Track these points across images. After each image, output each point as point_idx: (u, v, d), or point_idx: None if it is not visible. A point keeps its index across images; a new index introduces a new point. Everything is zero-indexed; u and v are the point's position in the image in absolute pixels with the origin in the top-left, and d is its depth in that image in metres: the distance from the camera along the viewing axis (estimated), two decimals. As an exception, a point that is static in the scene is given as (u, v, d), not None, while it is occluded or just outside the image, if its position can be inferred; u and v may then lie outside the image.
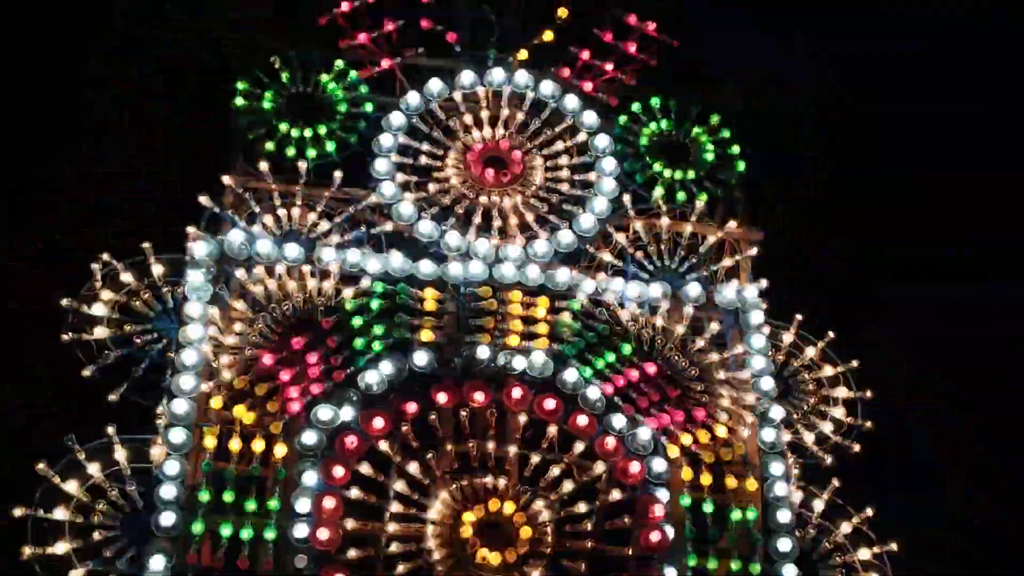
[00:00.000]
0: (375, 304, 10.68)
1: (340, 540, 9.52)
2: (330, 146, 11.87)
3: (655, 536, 9.84)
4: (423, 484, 9.87)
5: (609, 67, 12.86)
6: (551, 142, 12.23)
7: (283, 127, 11.87)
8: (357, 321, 10.58)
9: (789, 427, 11.37)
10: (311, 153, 11.74)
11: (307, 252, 10.92)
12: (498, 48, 12.79)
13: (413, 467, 9.84)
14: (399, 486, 9.81)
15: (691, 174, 12.54)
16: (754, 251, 12.04)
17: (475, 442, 10.13)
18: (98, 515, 9.68)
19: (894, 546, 10.73)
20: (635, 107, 12.81)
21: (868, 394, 11.74)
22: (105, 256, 10.92)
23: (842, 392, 11.75)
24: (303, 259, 10.87)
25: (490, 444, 10.09)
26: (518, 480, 10.04)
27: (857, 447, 11.57)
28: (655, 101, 12.85)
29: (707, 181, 12.52)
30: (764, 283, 11.75)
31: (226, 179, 11.35)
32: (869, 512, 10.86)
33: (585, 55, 12.84)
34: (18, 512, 9.49)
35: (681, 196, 12.28)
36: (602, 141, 12.19)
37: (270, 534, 9.55)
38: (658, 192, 12.20)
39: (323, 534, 9.42)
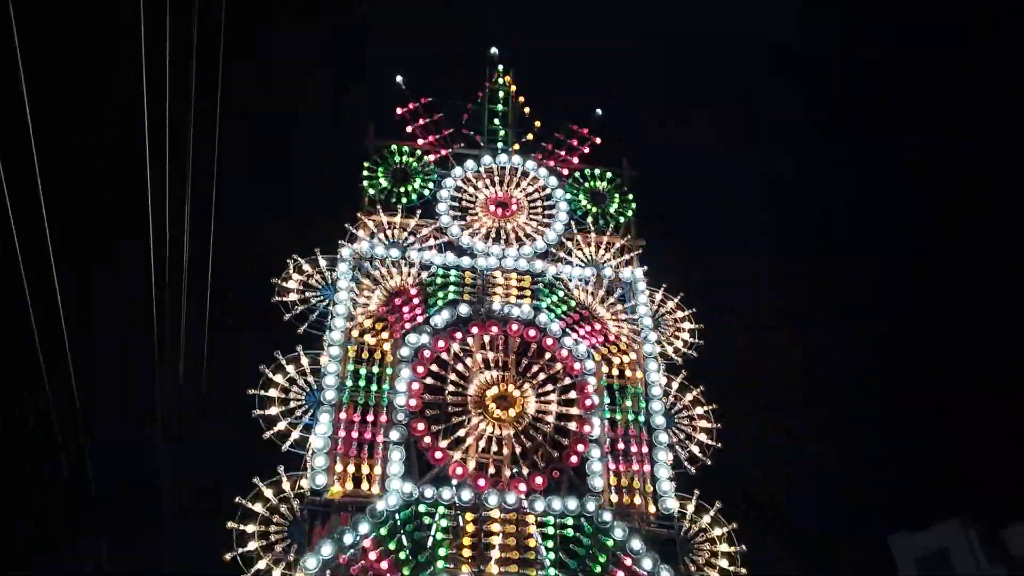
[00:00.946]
0: (439, 280, 11.15)
1: (421, 405, 10.02)
2: (413, 196, 12.32)
3: (588, 402, 10.26)
4: (465, 375, 10.37)
5: (563, 153, 13.17)
6: (531, 195, 12.55)
7: (388, 184, 12.28)
8: (431, 290, 11.00)
9: (664, 355, 11.50)
10: (403, 200, 12.21)
11: (402, 253, 11.44)
12: (503, 142, 13.09)
13: (459, 366, 10.42)
14: (452, 376, 10.33)
15: (610, 209, 12.75)
16: (639, 251, 12.40)
17: (494, 354, 10.55)
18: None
19: None
20: (576, 174, 13.03)
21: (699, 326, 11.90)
22: (295, 256, 11.40)
23: (687, 325, 11.94)
24: (400, 256, 11.40)
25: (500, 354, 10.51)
26: (515, 373, 10.42)
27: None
28: (588, 172, 13.08)
29: (615, 215, 12.75)
30: (644, 268, 12.03)
31: (360, 215, 11.92)
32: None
33: (550, 147, 13.11)
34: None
35: (600, 222, 12.60)
36: (559, 193, 12.58)
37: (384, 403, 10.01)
38: (589, 220, 12.60)
39: (412, 402, 9.93)
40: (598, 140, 13.17)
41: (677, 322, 11.89)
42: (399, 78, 12.99)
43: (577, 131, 13.25)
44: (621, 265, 12.11)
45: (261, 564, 9.01)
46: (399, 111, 12.96)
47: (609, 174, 13.12)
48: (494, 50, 13.56)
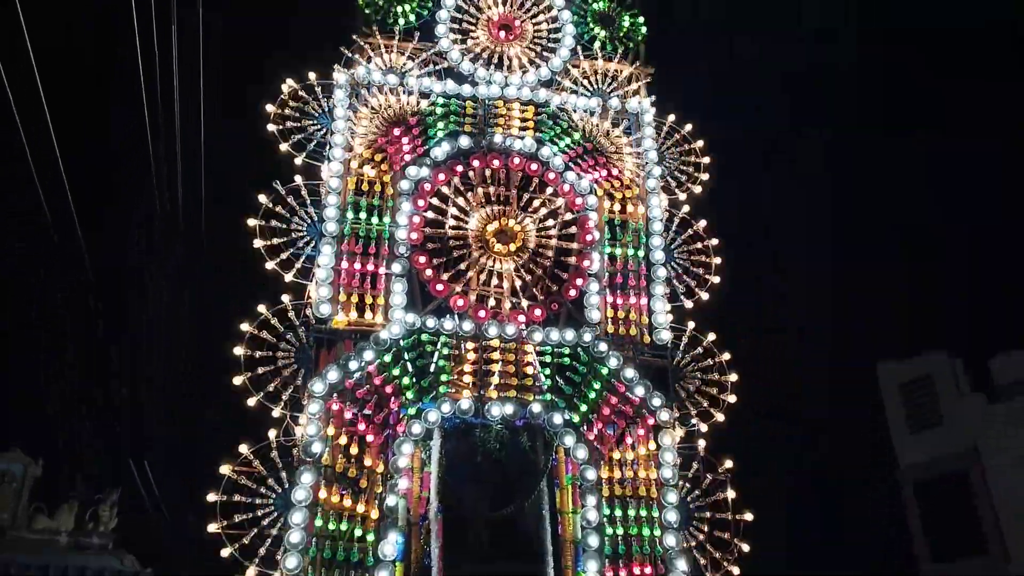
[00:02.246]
0: (439, 110, 10.92)
1: (422, 238, 10.16)
2: (411, 16, 11.73)
3: (589, 237, 10.40)
4: (466, 210, 10.36)
5: None
6: (535, 17, 12.01)
7: (384, 2, 11.68)
8: (431, 120, 10.80)
9: (665, 190, 11.39)
10: (400, 21, 11.62)
11: (400, 80, 11.03)
12: None
13: (460, 200, 10.39)
14: (453, 210, 10.31)
15: (619, 33, 12.23)
16: (648, 79, 12.02)
17: (495, 188, 10.48)
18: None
19: None
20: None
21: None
22: (290, 80, 11.03)
23: (693, 158, 11.64)
24: (398, 83, 11.00)
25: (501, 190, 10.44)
26: (516, 207, 10.43)
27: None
28: None
29: (623, 39, 12.30)
30: (652, 98, 11.75)
31: (355, 37, 11.43)
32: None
33: None
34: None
35: (608, 47, 12.12)
36: (565, 15, 12.00)
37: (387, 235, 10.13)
38: (596, 45, 12.07)
39: (413, 235, 10.07)
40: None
41: (683, 155, 11.74)
42: None
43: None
44: (628, 95, 11.79)
45: (270, 387, 9.47)
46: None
47: (618, -7, 12.40)
48: None
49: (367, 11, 11.77)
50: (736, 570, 9.52)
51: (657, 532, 9.20)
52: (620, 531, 9.20)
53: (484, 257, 10.24)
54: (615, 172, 11.12)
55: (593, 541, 8.86)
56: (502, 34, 11.95)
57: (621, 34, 12.34)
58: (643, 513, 9.29)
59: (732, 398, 10.38)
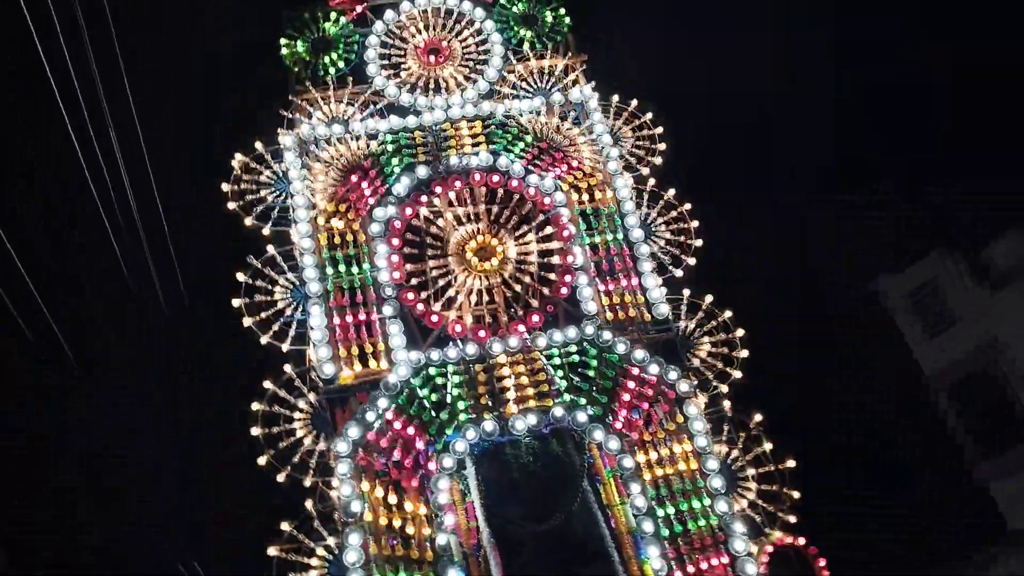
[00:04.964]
0: (391, 147, 10.95)
1: (405, 275, 10.21)
2: (340, 63, 11.89)
3: (566, 232, 10.50)
4: (441, 236, 10.50)
5: None
6: (461, 35, 12.15)
7: (310, 57, 11.83)
8: (384, 159, 10.84)
9: (628, 168, 11.52)
10: (331, 70, 11.78)
11: (345, 128, 11.10)
12: None
13: (433, 228, 10.54)
14: (429, 240, 10.45)
15: (544, 29, 12.37)
16: (583, 66, 12.22)
17: (463, 208, 10.60)
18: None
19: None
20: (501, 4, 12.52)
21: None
22: (238, 155, 11.12)
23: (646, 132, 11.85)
24: (343, 132, 11.09)
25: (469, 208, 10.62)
26: (488, 222, 10.51)
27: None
28: None
29: (550, 34, 12.44)
30: (592, 83, 11.88)
31: (292, 98, 11.62)
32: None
33: None
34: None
35: (538, 45, 12.26)
36: (488, 25, 12.14)
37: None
38: (526, 47, 12.21)
39: (396, 274, 10.11)
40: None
41: (636, 131, 11.90)
42: None
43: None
44: (569, 86, 11.95)
45: (295, 459, 9.58)
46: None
47: (534, -8, 12.59)
48: None
49: (295, 69, 11.96)
50: (792, 518, 9.65)
51: (707, 501, 9.30)
52: (671, 510, 9.29)
53: (470, 278, 10.35)
54: (575, 164, 11.26)
55: (648, 526, 8.97)
56: (432, 58, 12.12)
57: (547, 30, 12.51)
58: (689, 487, 9.39)
59: (744, 352, 10.52)
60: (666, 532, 9.04)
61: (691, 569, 8.92)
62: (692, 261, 11.11)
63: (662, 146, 11.72)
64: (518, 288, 10.38)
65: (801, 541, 9.24)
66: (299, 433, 9.68)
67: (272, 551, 8.92)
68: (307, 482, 9.51)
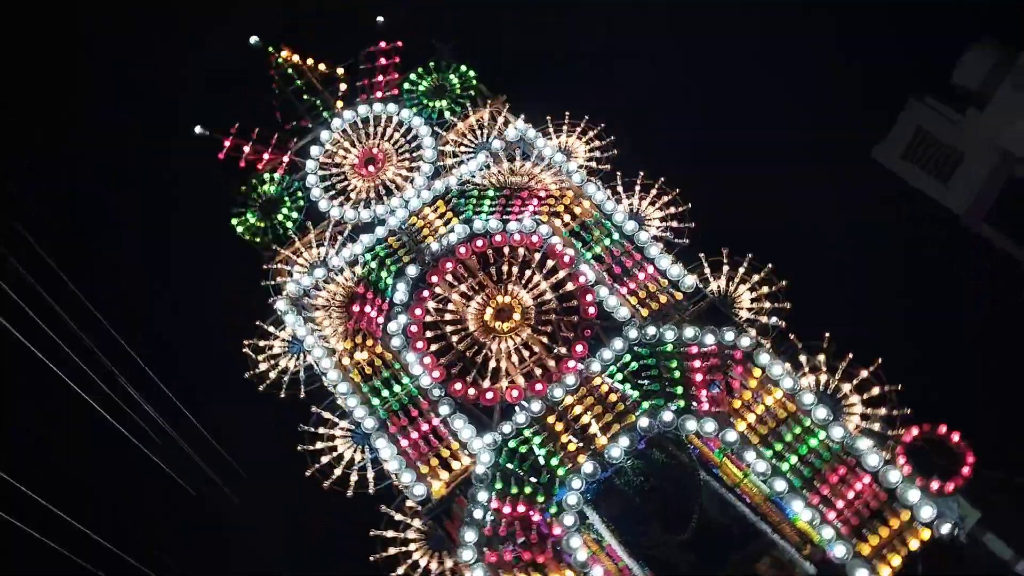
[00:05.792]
0: (374, 264, 11.19)
1: (443, 372, 10.20)
2: (293, 215, 12.29)
3: (567, 258, 10.45)
4: (458, 318, 10.46)
5: (381, 79, 12.85)
6: (386, 135, 12.41)
7: (264, 223, 12.25)
8: (373, 276, 11.07)
9: (593, 172, 11.80)
10: (288, 225, 12.15)
11: (326, 269, 11.45)
12: (326, 109, 12.84)
13: (447, 315, 10.51)
14: (449, 328, 10.41)
15: (455, 92, 12.75)
16: (507, 105, 12.46)
17: (465, 284, 10.62)
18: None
19: None
20: (405, 87, 12.91)
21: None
22: (245, 344, 11.52)
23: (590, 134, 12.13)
24: (326, 272, 11.42)
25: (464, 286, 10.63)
26: (494, 285, 10.52)
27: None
28: (412, 77, 12.95)
29: (463, 94, 12.75)
30: (522, 116, 12.12)
31: (267, 266, 11.96)
32: None
33: (366, 82, 12.76)
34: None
35: (458, 108, 12.60)
36: (405, 114, 12.42)
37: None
38: (448, 115, 12.54)
39: (435, 374, 10.13)
40: (400, 44, 12.93)
41: (581, 138, 12.08)
42: (198, 129, 12.60)
43: (377, 50, 12.95)
44: (502, 130, 12.18)
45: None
46: (222, 151, 12.64)
47: (431, 63, 12.99)
48: (254, 39, 13.01)
49: (256, 239, 12.28)
50: (908, 409, 9.46)
51: (822, 435, 9.14)
52: (793, 459, 9.10)
53: (502, 342, 10.39)
54: (543, 195, 11.39)
55: (780, 485, 8.82)
56: (371, 168, 12.38)
57: (458, 92, 12.83)
58: (797, 431, 9.23)
59: (783, 282, 10.46)
60: (799, 482, 8.86)
61: (840, 504, 8.71)
62: (692, 225, 11.08)
63: (611, 138, 11.81)
64: (549, 330, 10.38)
65: (927, 427, 9.03)
66: (423, 562, 9.60)
67: None
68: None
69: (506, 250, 10.88)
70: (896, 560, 8.39)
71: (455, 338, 10.55)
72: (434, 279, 10.83)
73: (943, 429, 9.10)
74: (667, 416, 9.29)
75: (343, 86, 12.78)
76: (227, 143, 12.56)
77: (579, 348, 10.18)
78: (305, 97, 12.87)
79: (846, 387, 9.51)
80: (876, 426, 9.32)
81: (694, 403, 9.52)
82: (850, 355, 9.57)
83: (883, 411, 9.35)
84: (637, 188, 11.44)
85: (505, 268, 10.81)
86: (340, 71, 12.79)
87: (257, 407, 11.34)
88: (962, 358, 12.69)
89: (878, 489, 8.69)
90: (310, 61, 12.97)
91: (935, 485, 8.81)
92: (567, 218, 11.23)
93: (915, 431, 9.05)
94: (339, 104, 12.82)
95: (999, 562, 9.11)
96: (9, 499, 11.94)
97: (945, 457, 9.14)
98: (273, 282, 11.70)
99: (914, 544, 8.43)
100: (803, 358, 9.70)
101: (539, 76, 11.16)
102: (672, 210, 11.26)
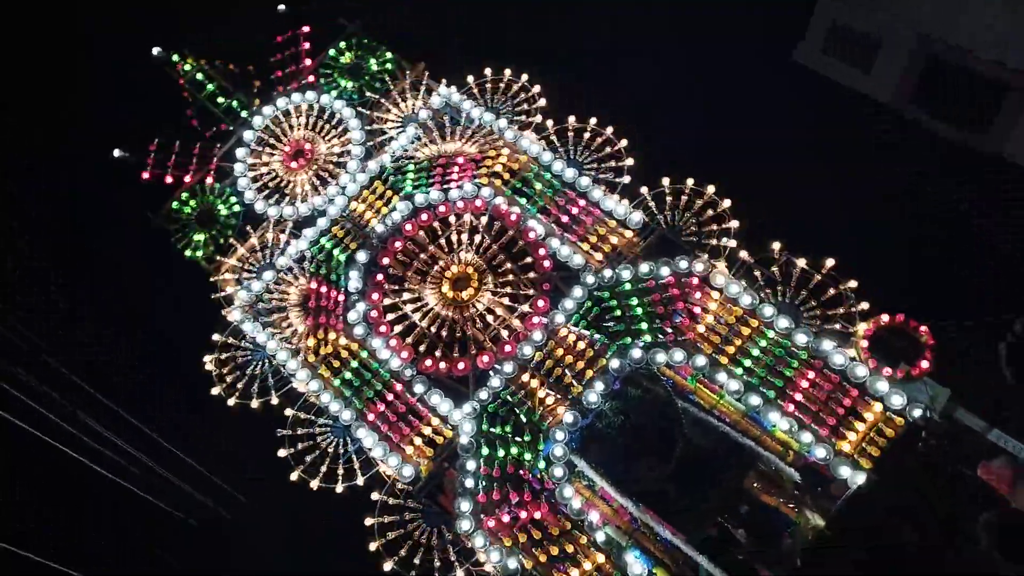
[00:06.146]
0: (321, 256, 11.05)
1: (412, 350, 10.31)
2: (232, 221, 12.04)
3: (513, 216, 10.58)
4: (417, 296, 10.57)
5: (293, 69, 12.54)
6: (311, 125, 12.15)
7: (206, 234, 12.03)
8: (323, 270, 10.97)
9: (523, 126, 11.47)
10: (227, 233, 11.94)
11: (275, 271, 11.31)
12: (244, 110, 12.50)
13: (405, 295, 10.58)
14: (409, 307, 10.48)
15: (372, 69, 12.46)
16: (426, 73, 12.16)
17: (416, 262, 10.65)
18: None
19: None
20: (321, 71, 12.53)
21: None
22: (206, 359, 11.11)
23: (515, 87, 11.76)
24: (276, 274, 11.28)
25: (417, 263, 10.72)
26: (446, 256, 10.58)
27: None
28: (325, 62, 12.55)
29: (381, 71, 12.41)
30: (443, 80, 11.90)
31: (214, 280, 11.78)
32: None
33: (280, 74, 12.45)
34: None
35: (378, 84, 12.35)
36: (325, 99, 12.15)
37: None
38: (369, 93, 12.26)
39: (403, 354, 10.27)
40: (306, 28, 12.58)
41: (506, 92, 11.83)
42: (116, 152, 12.23)
43: (284, 39, 12.60)
44: (426, 100, 11.98)
45: (435, 563, 9.66)
46: (144, 176, 12.28)
47: (342, 44, 12.65)
48: (156, 50, 12.59)
49: (203, 257, 12.08)
50: (864, 305, 9.62)
51: (787, 343, 9.33)
52: (763, 372, 9.30)
53: (464, 312, 10.44)
54: (479, 157, 11.30)
55: (754, 400, 9.03)
56: (301, 161, 12.16)
57: (376, 70, 12.53)
58: (763, 344, 9.41)
59: (727, 202, 10.53)
60: (772, 393, 9.08)
61: (814, 408, 8.96)
62: (631, 161, 11.07)
63: (536, 88, 11.69)
64: (508, 291, 10.39)
65: (884, 318, 9.26)
66: (424, 539, 9.71)
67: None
68: (460, 574, 9.54)
69: (452, 219, 10.81)
70: (876, 451, 8.66)
71: (417, 316, 10.55)
72: (385, 261, 10.80)
73: (901, 317, 9.33)
74: (636, 353, 9.41)
75: (256, 83, 12.54)
76: (149, 161, 12.22)
77: (541, 303, 10.24)
78: (220, 100, 12.50)
79: (803, 293, 9.67)
80: (837, 326, 9.52)
81: (660, 336, 9.65)
82: (802, 260, 9.70)
83: (841, 310, 9.54)
84: (570, 134, 11.28)
85: (454, 238, 10.78)
86: (250, 68, 12.47)
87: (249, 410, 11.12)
88: (908, 245, 12.93)
89: (848, 387, 8.92)
90: (218, 61, 12.57)
91: (901, 373, 9.04)
92: (507, 175, 11.13)
93: (874, 324, 9.27)
94: (257, 101, 12.51)
95: (978, 435, 9.41)
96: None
97: (907, 343, 9.36)
98: (222, 293, 11.43)
99: (890, 433, 8.69)
100: (757, 273, 9.84)
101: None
102: (608, 148, 11.15)
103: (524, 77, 11.82)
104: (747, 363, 9.34)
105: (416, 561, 9.63)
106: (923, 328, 9.16)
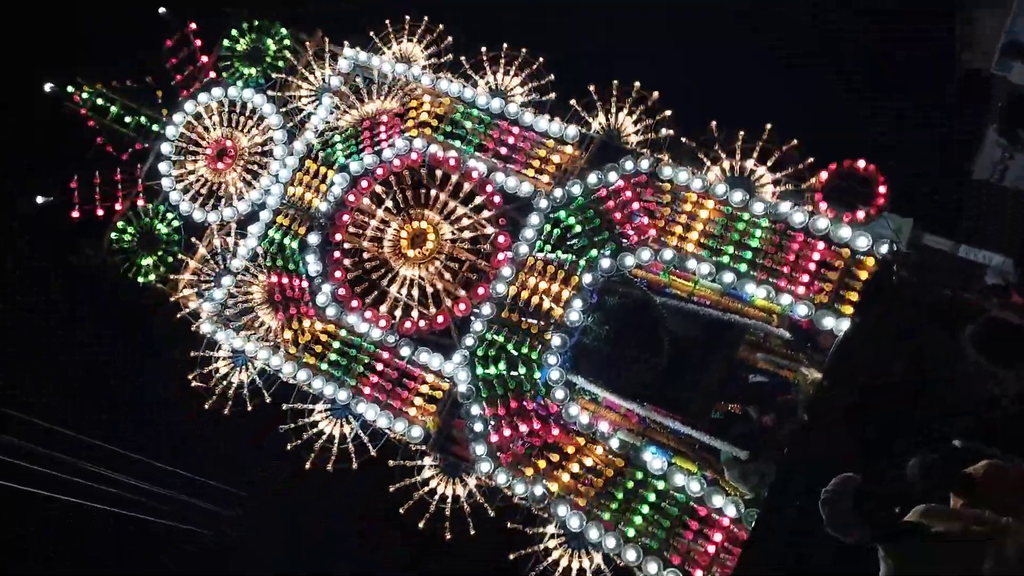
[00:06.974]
0: (273, 249, 10.96)
1: (388, 319, 10.41)
2: (175, 237, 11.80)
3: (452, 162, 10.43)
4: (385, 261, 10.58)
5: (191, 69, 12.11)
6: (225, 119, 11.88)
7: (153, 258, 11.82)
8: (280, 262, 10.86)
9: (437, 69, 11.28)
10: (174, 250, 11.72)
11: (232, 274, 11.19)
12: (155, 123, 12.14)
13: (367, 265, 10.67)
14: (375, 275, 10.54)
15: (271, 51, 12.00)
16: (325, 41, 11.74)
17: (370, 230, 10.72)
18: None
19: None
20: (221, 65, 12.09)
21: None
22: (191, 377, 11.16)
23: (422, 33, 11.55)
24: (234, 279, 11.18)
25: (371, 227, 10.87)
26: (397, 216, 10.53)
27: None
28: (221, 55, 12.09)
29: (281, 49, 12.03)
30: (346, 43, 11.50)
31: (174, 299, 11.56)
32: None
33: (180, 78, 12.04)
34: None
35: (282, 64, 11.97)
36: (233, 91, 11.83)
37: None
38: (274, 75, 11.88)
39: (382, 323, 10.27)
40: (194, 26, 12.14)
41: (413, 39, 11.61)
42: (39, 199, 11.88)
43: (175, 42, 12.14)
44: (332, 67, 11.69)
45: (469, 507, 9.85)
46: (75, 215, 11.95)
47: (233, 32, 12.21)
48: (48, 86, 12.11)
49: (158, 281, 11.84)
50: (811, 159, 9.73)
51: (747, 216, 9.35)
52: (731, 249, 9.33)
53: (429, 267, 10.49)
54: (401, 111, 11.15)
55: (728, 277, 9.15)
56: (226, 160, 11.90)
57: (275, 50, 12.14)
58: (724, 220, 9.45)
59: (655, 94, 10.52)
60: (744, 267, 9.21)
61: (786, 269, 9.09)
62: (552, 77, 10.96)
63: (440, 27, 11.49)
64: (467, 235, 10.39)
65: (832, 167, 9.40)
66: (449, 492, 9.88)
67: None
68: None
69: (392, 179, 10.72)
70: (854, 296, 8.85)
71: (384, 282, 10.50)
72: (338, 237, 10.74)
73: (847, 162, 9.48)
74: (605, 263, 9.49)
75: (159, 92, 12.07)
76: (75, 199, 11.83)
77: (501, 239, 10.25)
78: (128, 120, 12.09)
79: (749, 163, 9.76)
80: (790, 186, 9.64)
81: (624, 241, 9.72)
82: (741, 133, 9.77)
83: (790, 170, 9.66)
84: (487, 65, 11.13)
85: (399, 198, 10.68)
86: (148, 79, 11.99)
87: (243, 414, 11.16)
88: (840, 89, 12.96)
89: (813, 242, 9.08)
90: (114, 82, 12.13)
91: (861, 214, 9.23)
92: (435, 122, 10.97)
93: (823, 175, 9.41)
94: (165, 111, 12.12)
95: (947, 255, 9.55)
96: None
97: (859, 185, 9.52)
98: (187, 310, 11.29)
99: (863, 275, 8.87)
100: (701, 155, 9.90)
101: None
102: (526, 71, 11.03)
103: (424, 20, 11.53)
104: (712, 244, 9.43)
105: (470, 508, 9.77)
106: (871, 167, 9.30)
